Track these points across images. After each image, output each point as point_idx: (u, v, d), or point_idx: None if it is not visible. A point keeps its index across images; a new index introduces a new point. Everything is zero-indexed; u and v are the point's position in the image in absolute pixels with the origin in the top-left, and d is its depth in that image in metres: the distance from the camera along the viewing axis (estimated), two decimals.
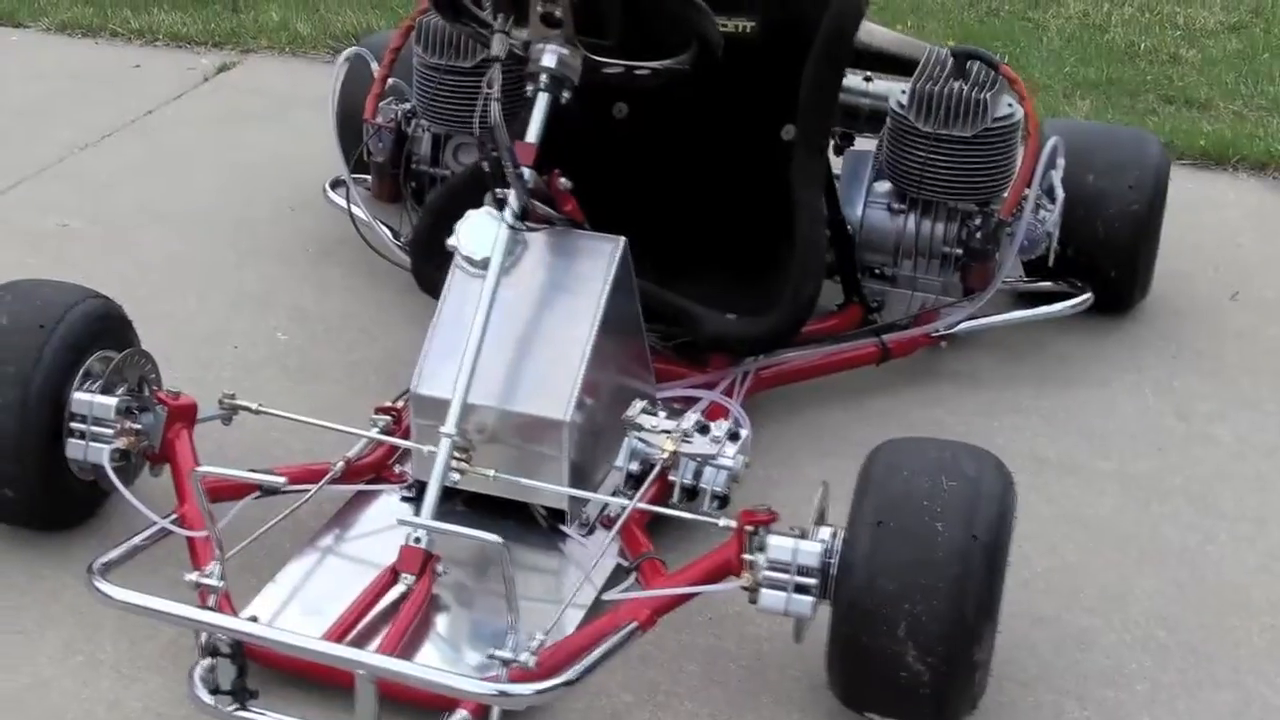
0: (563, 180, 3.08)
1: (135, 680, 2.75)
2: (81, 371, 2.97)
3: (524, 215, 3.01)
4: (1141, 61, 6.01)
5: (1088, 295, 3.88)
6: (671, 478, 2.98)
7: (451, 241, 3.03)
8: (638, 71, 3.11)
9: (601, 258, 3.07)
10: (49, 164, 4.81)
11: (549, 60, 3.00)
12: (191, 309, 3.95)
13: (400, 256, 3.95)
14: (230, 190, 4.66)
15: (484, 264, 2.99)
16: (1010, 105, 3.74)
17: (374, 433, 3.14)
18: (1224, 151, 5.07)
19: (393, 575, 2.75)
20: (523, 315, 3.02)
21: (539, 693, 2.45)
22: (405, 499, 3.12)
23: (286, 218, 4.48)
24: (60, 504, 3.04)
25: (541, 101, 3.01)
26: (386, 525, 3.06)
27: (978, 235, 3.67)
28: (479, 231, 3.01)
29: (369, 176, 4.06)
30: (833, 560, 2.57)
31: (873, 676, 2.54)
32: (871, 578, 2.48)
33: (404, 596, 2.72)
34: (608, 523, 3.04)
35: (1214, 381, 3.83)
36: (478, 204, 3.10)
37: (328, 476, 3.01)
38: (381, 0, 6.29)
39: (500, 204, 3.02)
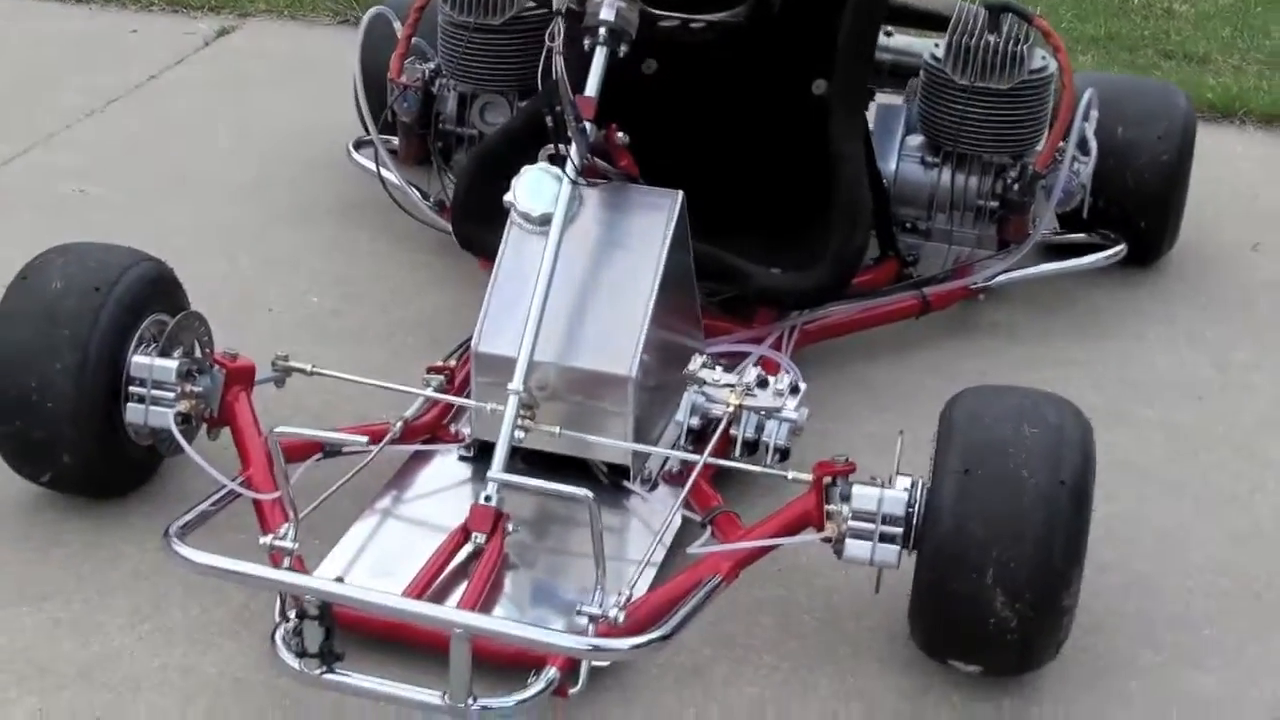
0: (620, 135, 3.06)
1: (209, 646, 2.71)
2: (137, 335, 2.93)
3: (581, 170, 2.99)
4: (1136, 16, 6.04)
5: (1122, 246, 3.90)
6: (733, 432, 2.97)
7: (508, 198, 3.00)
8: (692, 24, 3.09)
9: (660, 212, 3.06)
10: (56, 130, 4.73)
11: (607, 14, 2.97)
12: (220, 273, 3.90)
13: (431, 217, 3.92)
14: (244, 154, 4.60)
15: (542, 220, 2.96)
16: (1044, 58, 3.74)
17: (431, 392, 3.11)
18: (1231, 105, 5.10)
19: (464, 534, 2.73)
20: (583, 271, 3.01)
21: (635, 648, 2.44)
22: (463, 458, 3.09)
23: (305, 180, 4.43)
24: (116, 469, 3.00)
25: (600, 55, 2.99)
26: (445, 485, 3.07)
27: (1014, 187, 3.67)
28: (536, 187, 2.99)
29: (390, 137, 4.02)
30: (916, 509, 2.57)
31: (959, 623, 2.55)
32: (960, 524, 2.49)
33: (476, 555, 2.70)
34: (669, 478, 3.05)
35: (1246, 331, 3.87)
36: (518, 161, 3.08)
37: (388, 436, 2.99)
38: None
39: (556, 159, 3.00)
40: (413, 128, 3.94)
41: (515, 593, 2.79)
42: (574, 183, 2.96)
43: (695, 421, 3.01)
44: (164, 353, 2.92)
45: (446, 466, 3.09)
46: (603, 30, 2.97)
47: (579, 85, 2.98)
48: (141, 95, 5.04)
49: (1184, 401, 3.56)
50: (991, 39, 3.65)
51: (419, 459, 3.10)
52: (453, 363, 3.23)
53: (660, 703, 2.63)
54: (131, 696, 2.61)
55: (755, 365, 3.28)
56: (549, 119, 2.95)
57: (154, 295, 3.00)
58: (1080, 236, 3.95)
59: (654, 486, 3.03)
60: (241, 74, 5.23)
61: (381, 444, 2.96)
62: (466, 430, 3.13)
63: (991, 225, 3.76)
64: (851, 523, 2.59)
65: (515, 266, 3.02)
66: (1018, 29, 3.69)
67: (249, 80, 5.18)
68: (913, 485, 2.61)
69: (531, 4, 3.84)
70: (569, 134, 2.94)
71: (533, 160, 3.05)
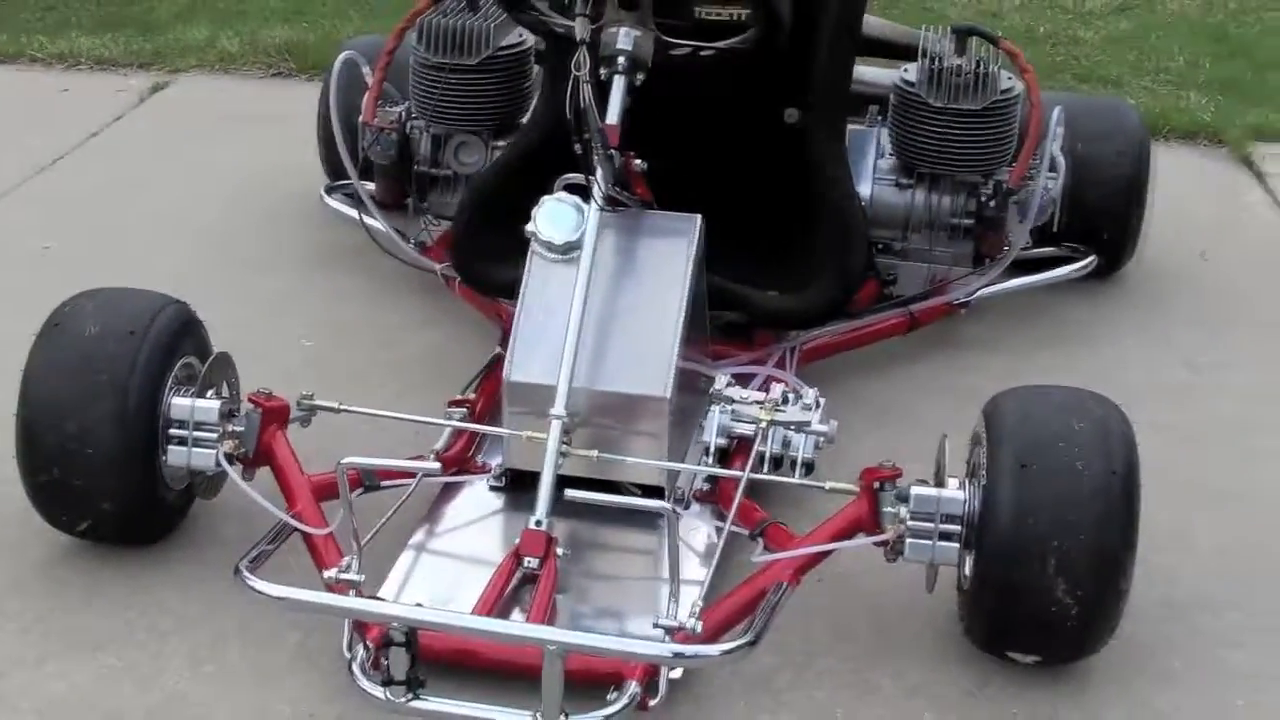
0: (637, 162, 3.12)
1: (275, 685, 2.70)
2: (171, 377, 2.92)
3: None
4: (1046, 43, 6.25)
5: (1092, 258, 4.04)
6: (760, 448, 3.03)
7: (529, 228, 3.03)
8: (703, 52, 3.15)
9: (682, 236, 3.12)
10: (7, 189, 4.68)
11: (624, 43, 3.02)
12: (209, 322, 3.85)
13: (415, 258, 3.94)
14: (203, 205, 4.59)
15: (565, 248, 3.01)
16: (1009, 79, 3.87)
17: (463, 424, 3.13)
18: (1155, 124, 5.28)
19: (516, 560, 2.75)
20: (610, 296, 3.05)
21: (725, 653, 2.49)
22: (494, 488, 3.11)
23: (271, 227, 4.44)
24: (153, 515, 2.98)
25: (619, 84, 3.03)
26: (480, 515, 3.10)
27: (991, 204, 3.79)
28: (557, 216, 3.03)
29: (364, 181, 4.04)
30: (970, 506, 2.65)
31: (1020, 615, 2.63)
32: (1020, 518, 2.56)
33: (528, 580, 2.73)
34: (700, 496, 3.10)
35: (1209, 334, 4.03)
36: (515, 195, 3.13)
37: (423, 470, 2.99)
38: (301, 10, 6.22)
39: (575, 188, 3.05)
40: (391, 170, 3.97)
41: (569, 613, 2.81)
42: (601, 209, 3.00)
43: (722, 440, 3.07)
44: (200, 394, 2.92)
45: (478, 497, 3.11)
46: (621, 59, 3.02)
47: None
48: (87, 152, 5.02)
49: (1167, 402, 3.68)
50: (960, 62, 3.77)
51: (449, 491, 3.12)
52: (472, 395, 3.26)
53: (733, 711, 2.68)
54: None
55: (761, 384, 3.34)
56: (578, 147, 3.00)
57: (184, 337, 3.00)
58: (1050, 250, 4.07)
59: (687, 505, 3.08)
60: (184, 128, 5.23)
61: (419, 477, 2.97)
62: (493, 461, 3.16)
63: (967, 242, 3.87)
64: (911, 523, 2.66)
65: (540, 296, 3.05)
66: (984, 51, 3.82)
67: (193, 134, 5.17)
68: (961, 484, 2.69)
69: (506, 44, 3.90)
70: (594, 162, 3.00)
71: (534, 192, 3.10)
